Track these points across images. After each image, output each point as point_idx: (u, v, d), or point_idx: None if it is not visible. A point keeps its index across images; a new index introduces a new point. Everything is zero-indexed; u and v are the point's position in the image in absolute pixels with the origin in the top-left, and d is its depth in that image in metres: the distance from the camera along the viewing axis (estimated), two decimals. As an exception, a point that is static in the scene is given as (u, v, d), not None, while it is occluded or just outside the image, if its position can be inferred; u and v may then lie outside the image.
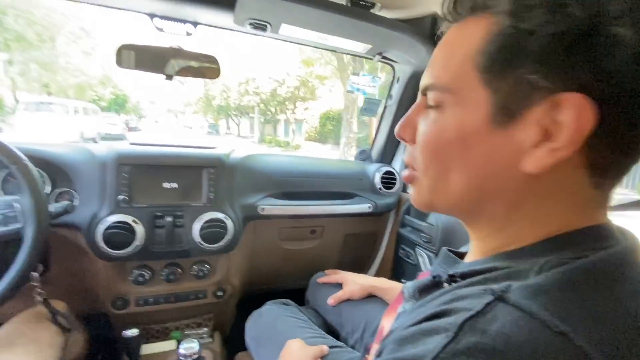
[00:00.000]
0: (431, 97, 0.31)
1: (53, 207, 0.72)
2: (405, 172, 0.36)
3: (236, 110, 20.54)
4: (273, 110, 17.23)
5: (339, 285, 0.86)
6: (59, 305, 0.76)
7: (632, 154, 0.26)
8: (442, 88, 0.30)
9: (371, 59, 1.07)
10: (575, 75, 0.24)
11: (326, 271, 0.95)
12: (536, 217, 0.28)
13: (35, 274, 0.65)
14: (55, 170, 0.81)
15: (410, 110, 0.35)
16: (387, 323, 0.43)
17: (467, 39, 0.28)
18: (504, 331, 0.21)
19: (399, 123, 0.35)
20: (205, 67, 0.91)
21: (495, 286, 0.24)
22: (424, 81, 0.32)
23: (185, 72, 0.89)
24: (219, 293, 1.00)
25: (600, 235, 0.27)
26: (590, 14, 0.22)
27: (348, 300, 0.81)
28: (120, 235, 0.78)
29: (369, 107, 1.24)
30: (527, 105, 0.25)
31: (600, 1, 0.22)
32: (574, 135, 0.24)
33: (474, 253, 0.34)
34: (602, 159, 0.25)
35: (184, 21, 0.85)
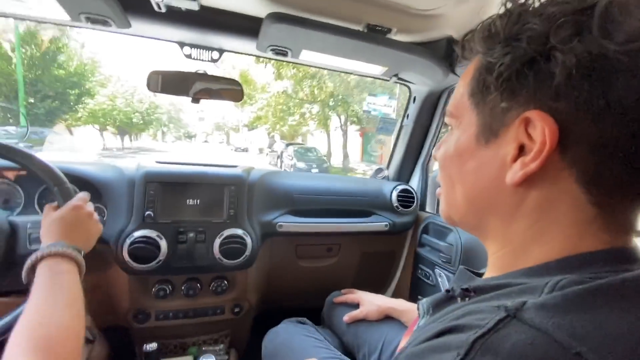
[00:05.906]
0: (447, 122, 0.38)
1: None
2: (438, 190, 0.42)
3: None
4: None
5: (355, 305, 0.85)
6: None
7: (630, 170, 0.25)
8: (450, 114, 0.37)
9: (388, 80, 1.10)
10: (530, 96, 0.27)
11: (342, 290, 0.94)
12: (538, 234, 0.29)
13: None
14: (88, 187, 0.86)
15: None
16: None
17: (466, 75, 0.35)
18: (517, 350, 0.20)
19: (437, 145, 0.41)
20: (227, 90, 0.96)
21: (509, 303, 0.23)
22: None
23: (207, 94, 0.94)
24: (236, 309, 1.01)
25: (621, 258, 0.26)
26: (538, 44, 0.26)
27: (364, 320, 0.80)
28: (145, 250, 0.81)
29: (385, 126, 1.27)
30: (505, 124, 0.30)
31: (548, 32, 0.26)
32: (540, 148, 0.27)
33: (491, 270, 0.35)
34: (593, 173, 0.26)
35: (211, 49, 0.91)
